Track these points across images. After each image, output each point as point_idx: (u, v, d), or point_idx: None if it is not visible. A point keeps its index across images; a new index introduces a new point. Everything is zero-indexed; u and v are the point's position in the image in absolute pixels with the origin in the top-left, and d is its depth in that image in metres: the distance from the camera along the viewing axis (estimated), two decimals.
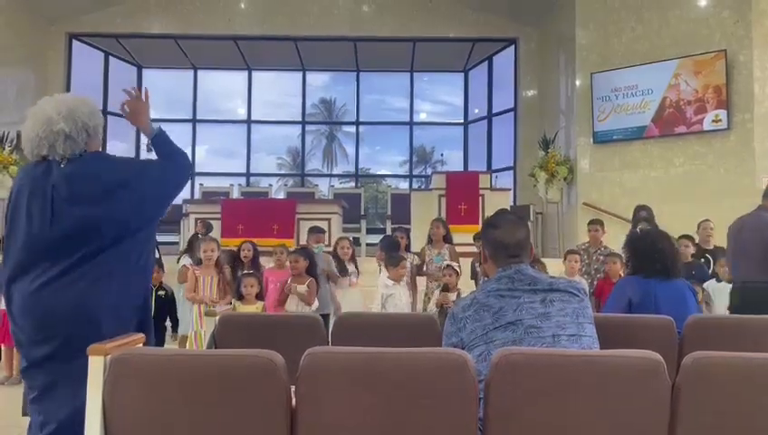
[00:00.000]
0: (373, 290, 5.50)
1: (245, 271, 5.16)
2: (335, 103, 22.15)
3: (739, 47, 8.02)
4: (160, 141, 2.41)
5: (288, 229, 8.41)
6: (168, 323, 5.59)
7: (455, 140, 13.86)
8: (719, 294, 4.84)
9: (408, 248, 6.00)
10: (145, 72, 13.12)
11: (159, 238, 6.77)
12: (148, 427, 1.67)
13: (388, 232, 8.69)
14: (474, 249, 5.85)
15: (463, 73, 13.39)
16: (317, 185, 15.54)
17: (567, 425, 1.65)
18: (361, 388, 1.63)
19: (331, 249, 5.90)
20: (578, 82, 9.24)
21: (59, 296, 2.04)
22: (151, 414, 1.66)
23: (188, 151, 12.83)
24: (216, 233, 7.83)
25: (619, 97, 8.85)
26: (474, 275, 5.74)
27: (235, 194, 10.98)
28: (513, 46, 11.75)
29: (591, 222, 6.23)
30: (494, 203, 8.24)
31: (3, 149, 8.99)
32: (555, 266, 6.00)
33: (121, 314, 2.13)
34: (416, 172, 16.03)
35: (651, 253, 3.10)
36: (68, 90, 11.22)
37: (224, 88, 14.11)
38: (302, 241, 7.57)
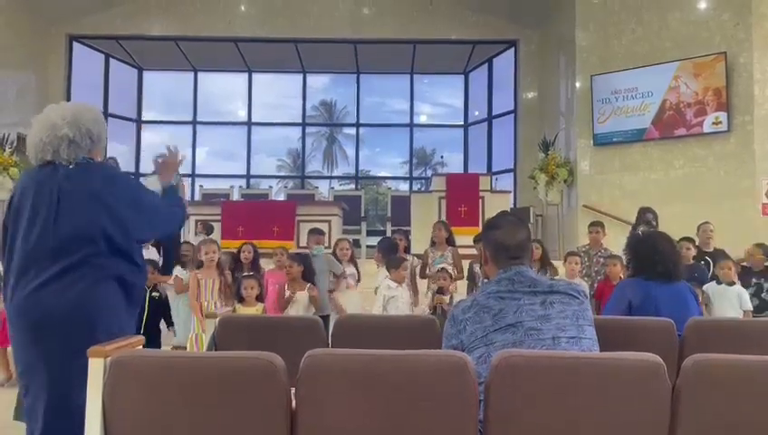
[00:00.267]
0: (372, 291, 5.51)
1: (245, 273, 5.15)
2: (336, 105, 22.14)
3: (739, 49, 8.02)
4: (172, 191, 2.54)
5: (288, 231, 8.41)
6: (163, 325, 5.52)
7: (455, 141, 13.87)
8: (719, 296, 4.83)
9: (407, 250, 6.00)
10: (145, 74, 13.14)
11: None
12: (147, 429, 1.67)
13: (389, 234, 8.69)
14: (474, 251, 5.85)
15: (463, 75, 13.40)
16: (317, 187, 15.54)
17: (567, 427, 1.65)
18: (361, 390, 1.63)
19: (330, 251, 5.90)
20: (578, 85, 9.24)
21: (58, 297, 2.05)
22: (151, 416, 1.66)
23: (189, 153, 12.95)
24: (216, 235, 7.84)
25: (619, 99, 8.86)
26: (471, 277, 5.73)
27: (235, 196, 10.98)
28: (513, 48, 11.76)
29: (592, 224, 6.22)
30: (494, 205, 8.24)
31: (3, 151, 8.98)
32: None
33: (118, 317, 2.14)
34: (416, 174, 16.02)
35: (652, 255, 3.10)
36: (68, 92, 11.24)
37: (224, 90, 14.12)
38: (303, 243, 7.57)
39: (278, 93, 14.59)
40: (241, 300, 4.56)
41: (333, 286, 5.42)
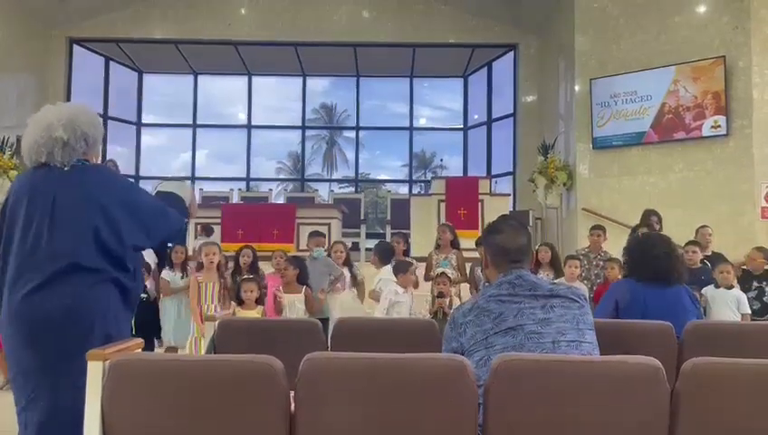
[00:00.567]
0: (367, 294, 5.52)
1: (246, 276, 5.15)
2: (336, 108, 22.17)
3: (738, 53, 8.03)
4: (175, 198, 2.54)
5: (288, 234, 8.41)
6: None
7: (454, 145, 13.88)
8: (717, 300, 4.83)
9: (406, 253, 6.01)
10: (145, 77, 13.15)
11: None
12: (146, 432, 1.67)
13: (388, 237, 8.69)
14: (476, 254, 5.85)
15: (462, 79, 13.41)
16: (317, 190, 15.56)
17: (566, 431, 1.65)
18: (360, 393, 1.63)
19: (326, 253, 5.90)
20: (577, 88, 9.25)
21: (53, 300, 2.03)
22: (150, 420, 1.66)
23: (188, 156, 12.95)
24: (216, 237, 7.84)
25: (618, 103, 8.87)
26: (472, 280, 5.74)
27: (235, 199, 10.98)
28: (512, 52, 11.77)
29: (594, 227, 6.24)
30: (493, 208, 8.25)
31: (3, 154, 8.98)
32: None
33: (115, 320, 2.13)
34: (415, 177, 16.06)
35: (645, 258, 3.08)
36: (68, 94, 11.24)
37: (224, 93, 14.14)
38: (302, 246, 7.58)
39: (278, 96, 14.63)
40: (240, 303, 4.56)
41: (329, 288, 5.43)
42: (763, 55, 7.92)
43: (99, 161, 2.38)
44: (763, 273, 5.36)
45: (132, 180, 2.74)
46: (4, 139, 9.09)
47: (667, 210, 6.67)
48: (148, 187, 11.57)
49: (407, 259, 5.38)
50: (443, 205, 8.74)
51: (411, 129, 13.58)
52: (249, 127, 13.29)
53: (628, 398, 1.64)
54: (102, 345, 1.81)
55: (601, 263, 5.74)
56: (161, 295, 5.44)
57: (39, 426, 2.04)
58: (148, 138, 13.25)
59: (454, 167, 14.60)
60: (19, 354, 2.08)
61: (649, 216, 6.26)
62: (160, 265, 5.56)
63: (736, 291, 4.92)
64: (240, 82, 13.24)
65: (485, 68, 12.61)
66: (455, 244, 5.94)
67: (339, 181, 19.65)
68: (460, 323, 1.97)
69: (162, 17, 11.52)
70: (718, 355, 1.74)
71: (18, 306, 2.05)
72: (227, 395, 1.63)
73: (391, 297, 4.80)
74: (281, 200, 12.29)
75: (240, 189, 11.86)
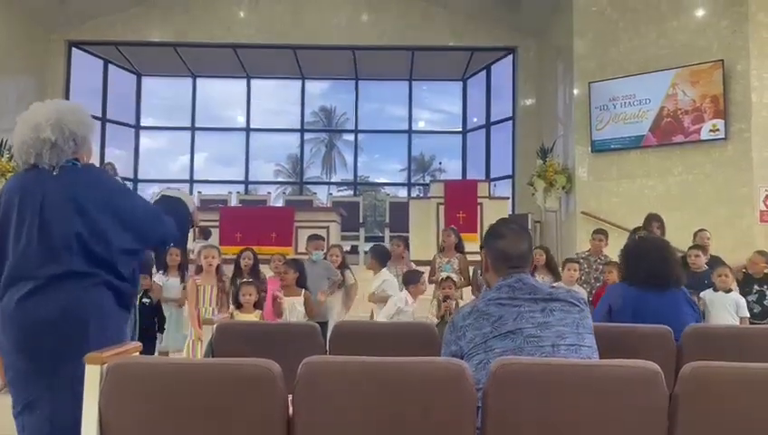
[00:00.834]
0: (363, 296, 5.52)
1: (244, 279, 5.14)
2: (335, 112, 22.19)
3: (736, 57, 8.05)
4: (174, 203, 2.50)
5: (286, 237, 8.41)
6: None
7: (453, 148, 13.89)
8: (716, 303, 4.83)
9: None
10: (144, 80, 13.15)
11: None
12: None
13: (387, 240, 8.69)
14: (479, 258, 5.85)
15: (461, 82, 13.43)
16: (315, 193, 15.56)
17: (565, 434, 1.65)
18: (359, 397, 1.63)
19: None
20: (576, 92, 9.27)
21: (46, 304, 2.02)
22: (148, 423, 1.66)
23: (187, 159, 12.94)
24: (214, 240, 7.84)
25: (616, 106, 8.88)
26: (474, 284, 5.74)
27: (234, 202, 10.97)
28: (511, 55, 11.80)
29: (596, 232, 6.24)
30: (492, 212, 8.26)
31: (1, 157, 8.98)
32: None
33: (111, 322, 2.11)
34: (414, 180, 16.04)
35: (639, 262, 3.07)
36: (67, 97, 11.24)
37: (223, 96, 14.14)
38: (301, 249, 7.57)
39: (277, 99, 14.64)
40: (239, 306, 4.55)
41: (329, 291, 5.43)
42: (761, 59, 7.94)
43: (90, 159, 2.31)
44: (763, 276, 5.36)
45: (125, 183, 2.67)
46: (2, 141, 9.10)
47: (666, 214, 6.67)
48: (148, 189, 11.57)
49: (417, 269, 5.39)
50: (442, 208, 8.74)
51: (410, 132, 13.59)
52: (248, 130, 13.29)
53: (626, 402, 1.64)
54: (97, 349, 1.79)
55: (601, 267, 5.74)
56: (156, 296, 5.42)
57: (37, 431, 2.03)
58: (146, 141, 13.26)
59: (453, 170, 14.61)
60: (14, 358, 2.07)
61: (651, 220, 6.25)
62: (157, 267, 5.55)
63: (735, 294, 4.93)
64: (239, 85, 13.24)
65: (484, 71, 12.63)
66: (459, 247, 5.95)
67: (338, 184, 19.65)
68: (459, 326, 1.97)
69: (161, 20, 11.53)
70: (717, 359, 1.73)
71: (12, 312, 2.04)
72: (225, 399, 1.63)
73: (400, 305, 4.79)
74: (279, 203, 12.28)
75: (239, 192, 11.85)
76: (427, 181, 14.52)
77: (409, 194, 13.84)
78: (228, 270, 5.35)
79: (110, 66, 12.32)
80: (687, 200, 8.16)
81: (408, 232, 8.49)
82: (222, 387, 1.64)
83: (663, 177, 8.57)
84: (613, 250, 6.10)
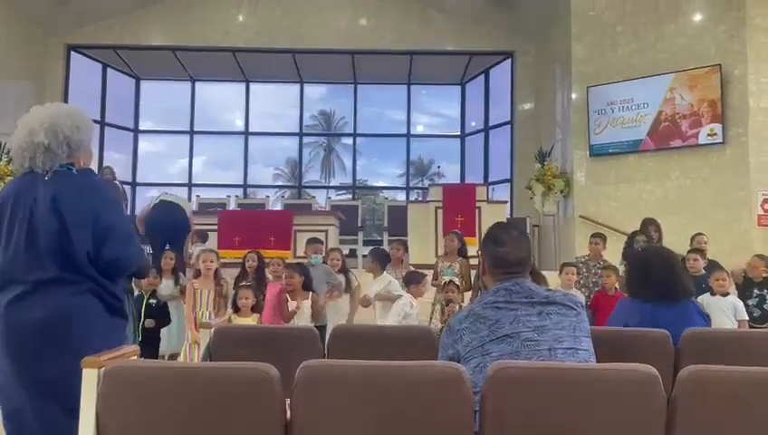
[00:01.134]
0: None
1: (244, 282, 5.13)
2: (333, 115, 22.20)
3: (734, 62, 8.07)
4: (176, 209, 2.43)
5: (285, 241, 8.39)
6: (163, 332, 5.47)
7: (452, 152, 13.89)
8: (713, 307, 4.83)
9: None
10: (143, 84, 13.15)
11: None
12: None
13: (386, 244, 8.69)
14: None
15: (460, 86, 13.45)
16: (314, 196, 15.55)
17: None
18: (357, 401, 1.63)
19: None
20: (574, 96, 9.29)
21: (32, 311, 2.02)
22: (145, 427, 1.65)
23: (185, 162, 12.93)
24: (212, 244, 7.82)
25: (614, 110, 8.90)
26: (476, 288, 5.74)
27: (232, 205, 10.97)
28: (509, 60, 11.82)
29: (593, 235, 6.25)
30: (490, 215, 8.24)
31: (0, 160, 8.98)
32: (551, 279, 6.00)
33: (100, 328, 2.10)
34: (413, 184, 16.03)
35: (646, 278, 2.99)
36: (66, 101, 11.23)
37: (221, 100, 14.13)
38: (299, 253, 7.56)
39: (276, 103, 14.62)
40: (237, 310, 4.54)
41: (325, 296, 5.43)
42: (758, 64, 7.96)
43: (89, 163, 2.31)
44: (763, 280, 5.37)
45: (114, 199, 2.58)
46: (1, 145, 9.10)
47: (664, 218, 6.68)
48: (146, 193, 11.56)
49: (419, 271, 5.40)
50: (440, 212, 8.74)
51: (409, 136, 13.60)
52: (246, 134, 13.29)
53: (624, 405, 1.64)
54: (79, 354, 1.77)
55: (600, 271, 5.73)
56: None
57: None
58: (145, 144, 13.25)
59: (451, 174, 14.59)
60: (1, 363, 2.08)
61: (648, 225, 6.26)
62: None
63: (732, 298, 4.93)
64: (238, 89, 13.25)
65: (483, 75, 12.66)
66: (462, 252, 5.96)
67: (336, 188, 19.65)
68: (456, 329, 1.97)
69: (160, 24, 11.55)
70: (715, 363, 1.73)
71: (1, 316, 2.05)
72: (223, 402, 1.62)
73: (407, 310, 4.79)
74: (278, 207, 12.27)
75: (237, 196, 11.85)
76: (426, 185, 14.49)
77: (408, 198, 13.84)
78: (226, 274, 5.35)
79: (108, 70, 12.33)
80: (685, 204, 8.18)
81: (406, 236, 8.48)
82: (220, 391, 1.64)
83: (661, 181, 8.58)
84: (612, 254, 6.13)
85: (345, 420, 1.63)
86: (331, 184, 23.22)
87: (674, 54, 8.52)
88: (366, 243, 10.34)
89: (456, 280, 5.51)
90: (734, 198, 7.93)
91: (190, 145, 13.19)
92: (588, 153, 9.09)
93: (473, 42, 11.55)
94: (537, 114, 11.29)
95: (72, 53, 11.62)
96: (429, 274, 5.65)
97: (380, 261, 5.51)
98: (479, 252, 2.20)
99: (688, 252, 5.62)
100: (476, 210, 8.69)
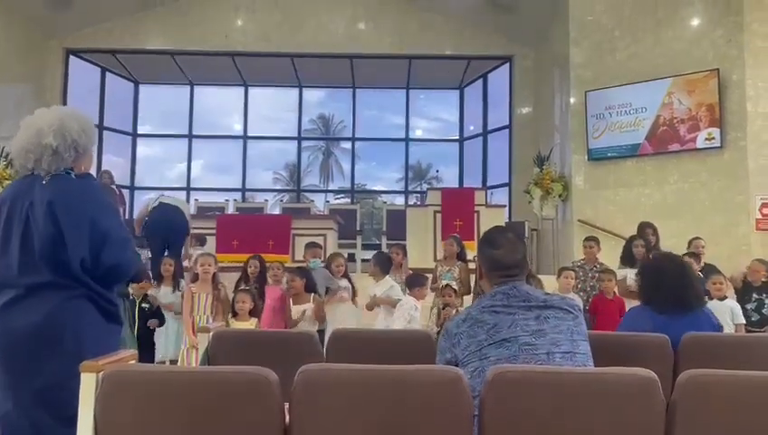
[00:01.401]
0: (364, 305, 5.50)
1: (243, 287, 5.11)
2: (332, 119, 22.23)
3: (732, 66, 8.09)
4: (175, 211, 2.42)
5: (283, 245, 8.39)
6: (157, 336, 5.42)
7: (450, 156, 13.91)
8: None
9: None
10: (141, 88, 13.15)
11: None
12: None
13: (384, 248, 8.68)
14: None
15: (458, 90, 13.47)
16: (313, 200, 15.54)
17: None
18: (356, 405, 1.62)
19: (324, 265, 5.89)
20: (572, 100, 9.30)
21: (25, 315, 2.02)
22: (144, 432, 1.65)
23: (184, 166, 12.93)
24: (210, 248, 7.82)
25: (613, 115, 8.91)
26: (475, 292, 5.74)
27: (231, 209, 10.96)
28: (508, 64, 11.85)
29: (587, 239, 6.27)
30: (489, 220, 8.25)
31: None
32: (549, 283, 6.01)
33: (95, 334, 2.09)
34: (411, 188, 16.03)
35: (657, 283, 2.97)
36: (65, 104, 11.21)
37: (220, 104, 14.15)
38: (298, 257, 7.55)
39: (274, 107, 14.64)
40: (235, 314, 4.54)
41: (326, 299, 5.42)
42: (756, 68, 7.99)
43: (89, 168, 2.30)
44: (762, 285, 5.37)
45: (111, 203, 2.56)
46: (0, 149, 9.09)
47: (663, 222, 6.69)
48: (144, 197, 11.55)
49: (421, 274, 5.40)
50: (439, 216, 8.74)
51: (407, 140, 13.61)
52: (245, 137, 13.29)
53: (623, 410, 1.64)
54: (73, 359, 1.76)
55: (597, 275, 5.74)
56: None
57: None
58: (143, 148, 13.25)
59: (449, 178, 14.60)
60: None
61: (644, 228, 6.28)
62: (154, 270, 5.54)
63: (729, 301, 4.94)
64: (236, 93, 13.26)
65: (481, 80, 12.68)
66: (461, 256, 5.96)
67: (335, 192, 19.65)
68: (454, 333, 1.97)
69: (159, 28, 11.56)
70: (715, 367, 1.74)
71: None
72: (221, 407, 1.62)
73: (412, 313, 4.79)
74: (276, 211, 12.27)
75: (236, 200, 11.84)
76: (424, 189, 14.49)
77: (406, 202, 13.85)
78: (224, 278, 5.33)
79: (107, 74, 12.33)
80: (683, 209, 8.18)
81: (405, 240, 8.47)
82: (218, 395, 1.63)
83: (659, 185, 8.59)
84: (610, 258, 6.13)
85: (344, 424, 1.62)
86: (329, 188, 23.24)
87: (672, 59, 8.54)
88: (364, 247, 10.32)
89: (454, 284, 5.51)
90: (733, 202, 7.94)
91: (189, 149, 13.18)
92: (586, 157, 9.10)
93: (471, 46, 11.57)
94: (536, 118, 11.30)
95: (71, 56, 11.62)
96: (429, 278, 5.65)
97: (383, 265, 5.50)
98: (476, 257, 2.20)
99: (683, 255, 5.61)
100: (475, 214, 8.69)
